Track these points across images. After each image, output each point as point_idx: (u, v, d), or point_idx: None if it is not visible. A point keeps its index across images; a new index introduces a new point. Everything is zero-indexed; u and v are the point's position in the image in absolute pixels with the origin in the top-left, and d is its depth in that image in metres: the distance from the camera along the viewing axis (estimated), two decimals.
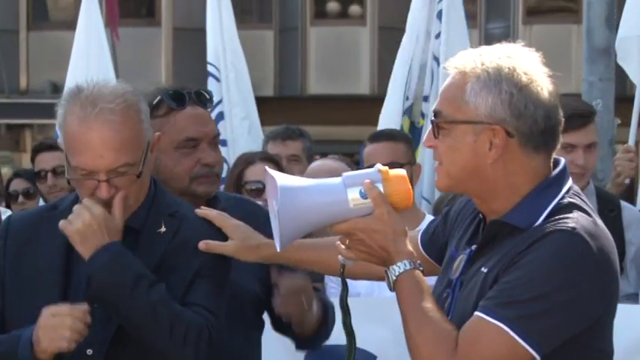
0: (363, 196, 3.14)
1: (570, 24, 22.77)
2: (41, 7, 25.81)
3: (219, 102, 9.62)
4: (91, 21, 10.00)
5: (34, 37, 24.13)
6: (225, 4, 9.94)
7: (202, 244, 3.63)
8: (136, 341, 3.60)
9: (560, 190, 3.25)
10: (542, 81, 3.22)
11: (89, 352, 3.60)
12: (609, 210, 6.28)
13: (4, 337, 3.61)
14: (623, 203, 6.65)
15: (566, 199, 3.23)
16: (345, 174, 3.23)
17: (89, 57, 9.51)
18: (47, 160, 7.39)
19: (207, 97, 4.40)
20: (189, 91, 4.28)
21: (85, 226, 3.46)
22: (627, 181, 7.27)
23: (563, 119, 3.26)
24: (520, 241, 3.19)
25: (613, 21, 8.46)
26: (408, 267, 3.12)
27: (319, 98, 22.63)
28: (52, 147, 7.57)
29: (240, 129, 9.00)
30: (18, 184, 7.44)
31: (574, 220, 3.13)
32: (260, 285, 4.31)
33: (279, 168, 6.14)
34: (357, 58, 24.51)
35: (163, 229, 3.70)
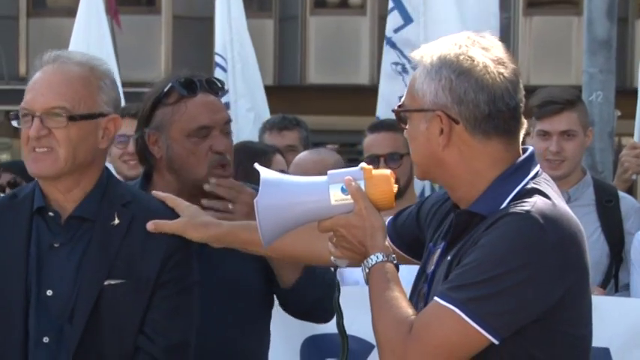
0: (345, 192, 3.15)
1: (571, 16, 22.77)
2: None
3: (226, 92, 9.48)
4: (91, 8, 10.00)
5: (33, 24, 24.18)
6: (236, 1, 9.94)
7: (150, 225, 3.61)
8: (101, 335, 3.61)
9: (525, 177, 3.26)
10: (489, 66, 3.21)
11: (45, 339, 3.61)
12: (607, 201, 6.30)
13: None
14: (621, 193, 6.65)
15: (530, 185, 3.24)
16: (329, 172, 3.23)
17: (89, 44, 9.51)
18: None
19: (219, 85, 4.37)
20: (200, 78, 4.24)
21: None
22: (634, 177, 7.30)
23: (521, 103, 3.26)
24: (480, 226, 3.20)
25: (614, 13, 8.47)
26: (380, 259, 3.14)
27: (319, 88, 22.66)
28: None
29: (245, 120, 9.01)
30: (5, 178, 7.42)
31: (530, 203, 3.15)
32: (262, 279, 4.28)
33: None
34: (357, 48, 24.54)
35: (117, 221, 3.68)
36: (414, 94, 3.24)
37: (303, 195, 3.18)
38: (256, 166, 3.21)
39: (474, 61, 3.20)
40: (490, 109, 3.19)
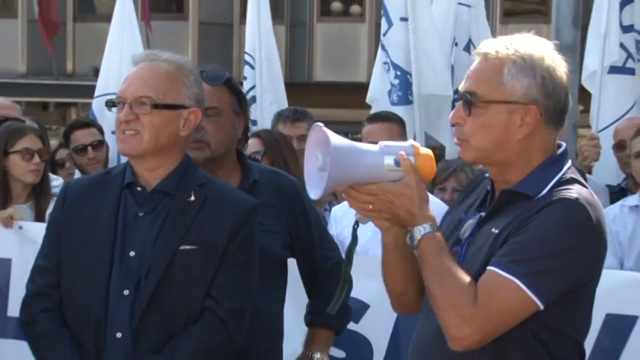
0: (397, 164, 3.12)
1: (541, 24, 22.66)
2: (86, 1, 25.81)
3: (253, 87, 9.64)
4: (125, 15, 9.97)
5: (79, 28, 24.14)
6: (264, 3, 9.95)
7: None
8: (162, 325, 3.63)
9: (563, 166, 3.25)
10: (562, 67, 3.23)
11: (125, 292, 3.61)
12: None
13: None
14: (588, 176, 6.58)
15: (568, 174, 3.23)
16: (382, 143, 3.18)
17: (123, 46, 9.47)
18: (85, 136, 7.30)
19: (217, 77, 4.30)
20: (202, 70, 4.18)
21: None
22: (592, 164, 7.29)
23: (577, 107, 3.36)
24: (529, 206, 3.17)
25: (579, 21, 8.40)
26: (429, 230, 3.11)
27: (324, 84, 22.66)
28: (87, 124, 7.54)
29: (269, 111, 8.97)
30: (64, 153, 7.37)
31: (576, 191, 3.15)
32: (282, 247, 4.29)
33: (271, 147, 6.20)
34: (357, 51, 24.51)
35: (193, 197, 3.69)
36: (498, 87, 3.17)
37: (363, 160, 3.14)
38: (320, 125, 3.17)
39: (555, 61, 3.22)
40: (564, 104, 3.21)
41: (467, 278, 3.09)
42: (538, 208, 3.14)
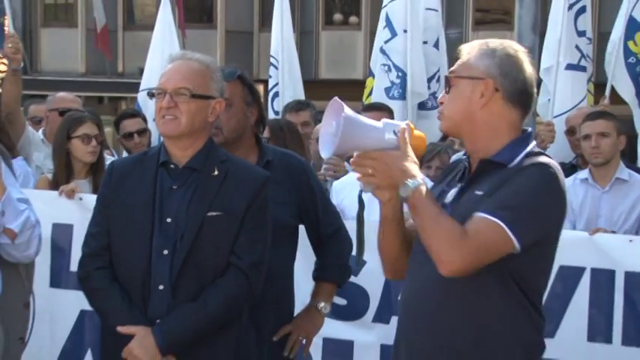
0: (395, 135, 3.15)
1: (506, 31, 22.54)
2: (132, 13, 25.78)
3: (276, 84, 9.66)
4: (165, 24, 9.95)
5: (127, 35, 24.10)
6: (286, 15, 9.94)
7: None
8: (195, 278, 3.63)
9: (530, 143, 3.27)
10: (523, 57, 3.25)
11: (165, 252, 3.62)
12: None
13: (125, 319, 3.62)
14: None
15: (535, 149, 3.26)
16: (384, 120, 3.23)
17: (163, 50, 9.43)
18: (132, 125, 7.26)
19: (231, 74, 4.26)
20: (223, 69, 4.16)
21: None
22: (548, 145, 7.33)
23: (536, 96, 3.35)
24: (504, 172, 3.19)
25: (537, 28, 8.45)
26: (420, 182, 3.10)
27: (327, 81, 22.55)
28: (133, 115, 7.52)
29: (286, 101, 8.99)
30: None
31: (545, 160, 3.19)
32: (292, 216, 4.27)
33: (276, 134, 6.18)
34: (354, 54, 24.44)
35: (216, 172, 3.69)
36: (468, 66, 3.24)
37: (367, 129, 3.17)
38: (337, 99, 3.20)
39: (517, 52, 3.24)
40: (523, 86, 3.23)
41: (455, 222, 3.10)
42: (515, 171, 3.17)
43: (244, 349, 3.76)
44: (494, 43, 3.28)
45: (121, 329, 3.55)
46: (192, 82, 3.63)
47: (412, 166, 3.14)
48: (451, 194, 3.31)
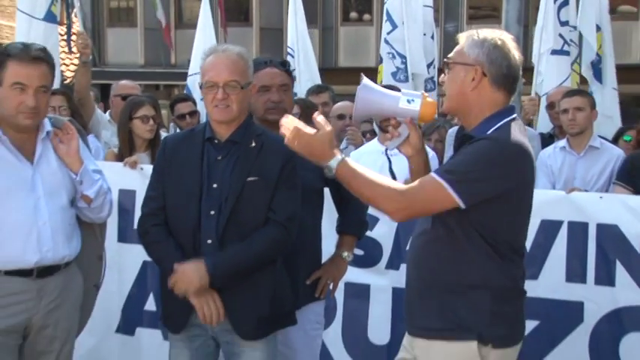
0: (410, 102, 3.21)
1: (494, 24, 22.40)
2: (182, 14, 25.76)
3: (293, 70, 9.56)
4: (206, 23, 9.98)
5: (178, 33, 24.07)
6: (300, 13, 9.94)
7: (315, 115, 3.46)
8: (238, 234, 3.62)
9: (504, 119, 3.25)
10: (511, 47, 3.26)
11: (212, 212, 3.62)
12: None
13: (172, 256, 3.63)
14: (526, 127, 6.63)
15: (507, 124, 3.24)
16: (403, 90, 3.29)
17: (205, 45, 9.43)
18: (184, 107, 7.30)
19: (282, 63, 4.35)
20: (271, 59, 4.25)
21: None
22: (532, 117, 7.35)
23: (520, 78, 3.37)
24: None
25: (522, 20, 8.41)
26: (341, 158, 3.14)
27: (345, 69, 22.53)
28: (185, 99, 7.55)
29: (305, 86, 9.00)
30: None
31: (501, 134, 3.19)
32: (319, 181, 4.23)
33: (306, 112, 6.21)
34: (367, 45, 24.33)
35: (253, 144, 3.68)
36: (462, 54, 3.25)
37: (383, 96, 3.25)
38: (363, 75, 3.27)
39: (503, 42, 3.24)
40: (508, 72, 3.23)
41: (392, 180, 3.18)
42: (471, 142, 3.19)
43: (280, 290, 3.77)
44: (485, 33, 3.28)
45: (177, 266, 3.56)
46: (240, 74, 3.61)
47: (330, 147, 3.16)
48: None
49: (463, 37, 3.31)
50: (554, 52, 7.76)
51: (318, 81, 9.56)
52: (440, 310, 3.25)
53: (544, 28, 7.89)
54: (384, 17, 8.92)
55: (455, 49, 3.32)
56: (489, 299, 3.22)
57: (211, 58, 3.66)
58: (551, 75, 7.85)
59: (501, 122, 3.25)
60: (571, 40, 8.25)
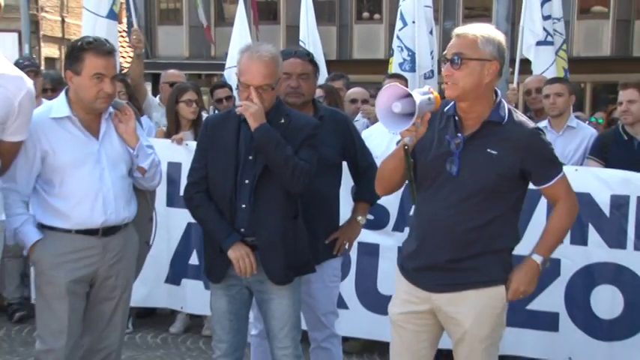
0: (424, 95, 3.01)
1: (486, 21, 22.30)
2: (222, 13, 25.69)
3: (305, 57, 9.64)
4: (242, 21, 9.95)
5: (218, 30, 24.03)
6: (310, 12, 9.90)
7: None
8: (272, 178, 3.58)
9: (501, 101, 3.22)
10: (504, 41, 3.19)
11: (246, 181, 3.58)
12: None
13: (219, 227, 3.61)
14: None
15: (504, 104, 3.23)
16: (416, 90, 3.07)
17: (240, 40, 9.48)
18: (222, 93, 7.22)
19: (307, 54, 4.26)
20: (297, 50, 4.19)
21: (255, 110, 3.47)
22: (512, 105, 7.30)
23: (508, 68, 3.37)
24: (506, 129, 3.16)
25: (510, 18, 8.30)
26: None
27: (358, 60, 22.53)
28: (223, 85, 7.51)
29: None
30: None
31: (524, 119, 3.24)
32: (337, 155, 4.21)
33: (330, 95, 6.22)
34: (378, 40, 24.22)
35: (283, 120, 3.63)
36: (476, 50, 3.10)
37: (422, 103, 2.99)
38: (400, 85, 3.04)
39: (502, 38, 3.17)
40: (504, 62, 3.18)
41: None
42: (522, 133, 3.16)
43: (301, 243, 3.75)
44: (487, 30, 3.16)
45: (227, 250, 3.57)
46: (271, 77, 3.53)
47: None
48: (456, 144, 3.17)
49: (467, 33, 3.15)
50: (539, 43, 7.67)
51: (325, 70, 9.52)
52: (478, 265, 3.20)
53: (531, 23, 7.78)
54: (398, 16, 8.85)
55: (461, 44, 3.15)
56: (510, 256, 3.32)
57: (246, 60, 3.56)
58: (537, 63, 7.74)
59: (506, 105, 3.22)
60: (555, 31, 8.16)
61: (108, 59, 3.58)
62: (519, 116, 3.24)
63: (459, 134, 3.18)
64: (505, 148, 3.12)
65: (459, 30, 3.19)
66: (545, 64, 7.59)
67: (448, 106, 3.25)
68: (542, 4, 7.76)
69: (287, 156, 3.52)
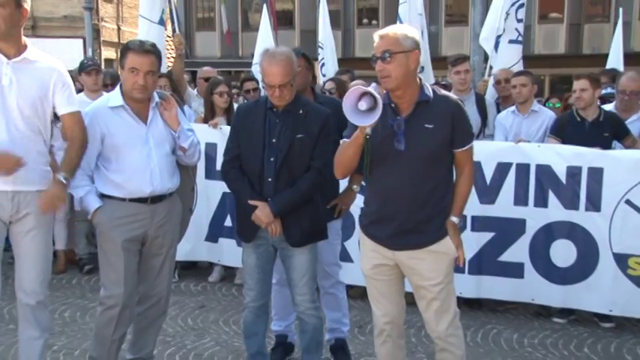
0: (376, 90, 2.92)
1: (464, 26, 22.01)
2: (247, 19, 25.47)
3: (322, 59, 9.49)
4: (265, 27, 9.83)
5: (244, 34, 23.87)
6: (327, 20, 9.74)
7: None
8: (289, 174, 3.54)
9: (423, 83, 3.14)
10: (419, 36, 3.11)
11: (271, 159, 3.54)
12: (480, 99, 6.12)
13: (251, 197, 3.56)
14: (486, 96, 6.52)
15: (426, 85, 3.15)
16: (370, 87, 2.94)
17: (264, 42, 9.35)
18: (250, 85, 7.05)
19: (297, 52, 3.89)
20: (292, 49, 3.78)
21: (263, 214, 3.52)
22: (482, 92, 7.10)
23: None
24: (435, 105, 3.08)
25: (484, 23, 8.09)
26: None
27: (361, 58, 22.31)
28: (250, 79, 7.43)
29: (331, 70, 8.88)
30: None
31: (445, 93, 3.17)
32: (336, 135, 4.06)
33: (340, 87, 5.98)
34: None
35: (301, 112, 3.57)
36: (399, 45, 3.01)
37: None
38: (361, 87, 2.96)
39: (416, 34, 3.08)
40: (420, 51, 3.09)
41: None
42: (447, 107, 3.09)
43: (317, 214, 3.71)
44: (405, 29, 3.08)
45: (251, 202, 3.53)
46: (288, 75, 3.46)
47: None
48: (398, 123, 3.06)
49: (389, 33, 3.05)
50: (511, 41, 7.42)
51: (337, 66, 9.40)
52: (430, 225, 3.15)
53: (505, 23, 7.44)
54: (398, 20, 8.46)
55: (387, 43, 3.02)
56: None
57: (266, 64, 3.49)
58: (504, 58, 7.44)
59: (425, 85, 3.12)
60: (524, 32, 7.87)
61: (142, 57, 3.51)
62: (441, 91, 3.18)
63: (398, 117, 3.09)
64: (437, 121, 3.05)
65: (381, 32, 3.08)
66: (515, 59, 7.37)
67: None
68: (517, 10, 7.49)
69: (302, 193, 3.54)
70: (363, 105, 2.89)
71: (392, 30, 3.05)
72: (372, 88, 2.92)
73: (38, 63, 3.35)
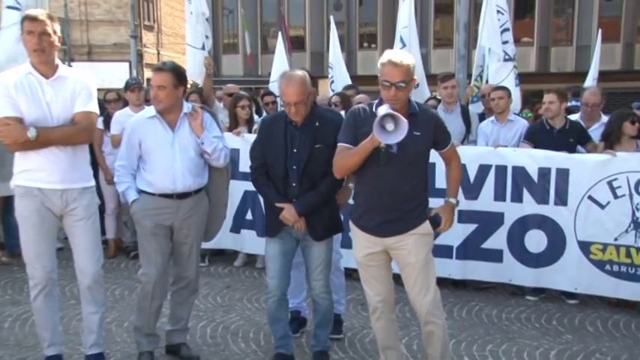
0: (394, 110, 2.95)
1: (449, 49, 21.89)
2: (266, 43, 25.43)
3: (332, 76, 9.35)
4: (280, 49, 9.77)
5: (263, 56, 23.84)
6: (337, 43, 9.56)
7: None
8: (310, 180, 3.48)
9: (410, 98, 3.13)
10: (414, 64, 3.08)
11: (294, 167, 3.49)
12: (464, 111, 6.03)
13: (278, 200, 3.51)
14: (469, 107, 6.44)
15: (412, 100, 3.15)
16: (387, 107, 2.96)
17: (279, 64, 9.34)
18: (268, 99, 6.98)
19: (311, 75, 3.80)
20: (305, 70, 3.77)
21: (290, 220, 3.50)
22: (466, 102, 6.99)
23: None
24: (419, 118, 3.08)
25: (467, 45, 7.95)
26: None
27: (362, 75, 22.19)
28: (268, 94, 7.37)
29: (340, 87, 8.67)
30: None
31: (428, 105, 3.23)
32: (334, 141, 3.94)
33: (344, 101, 5.90)
34: (374, 62, 23.89)
35: (317, 123, 3.49)
36: (410, 75, 3.01)
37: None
38: (395, 114, 2.89)
39: (414, 61, 3.06)
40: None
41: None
42: (431, 118, 3.11)
43: (334, 211, 3.66)
44: (408, 58, 3.02)
45: (278, 205, 3.49)
46: (303, 95, 3.38)
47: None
48: None
49: (401, 63, 2.98)
50: (506, 59, 7.21)
51: (348, 81, 9.28)
52: (414, 214, 3.14)
53: (492, 44, 7.19)
54: (397, 39, 7.95)
55: (400, 72, 2.97)
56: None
57: (284, 85, 3.42)
58: (496, 74, 7.23)
59: (411, 100, 3.13)
60: (512, 52, 7.46)
61: (156, 74, 3.54)
62: (422, 105, 3.20)
63: None
64: (423, 129, 3.07)
65: (395, 59, 2.99)
66: (502, 75, 7.21)
67: (378, 108, 3.07)
68: (501, 33, 7.28)
69: (322, 195, 3.47)
70: (391, 126, 2.88)
71: (405, 60, 2.99)
72: (390, 110, 2.92)
73: (69, 79, 3.40)
